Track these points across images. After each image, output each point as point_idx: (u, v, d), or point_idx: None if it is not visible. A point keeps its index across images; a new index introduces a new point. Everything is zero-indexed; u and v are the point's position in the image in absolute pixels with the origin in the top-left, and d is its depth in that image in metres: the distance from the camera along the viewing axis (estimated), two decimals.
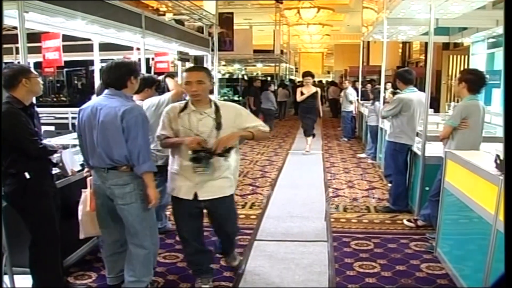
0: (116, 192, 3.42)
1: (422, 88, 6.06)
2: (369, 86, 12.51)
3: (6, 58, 8.35)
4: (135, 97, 4.80)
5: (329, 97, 20.00)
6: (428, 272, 4.21)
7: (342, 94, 13.62)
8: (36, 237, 3.52)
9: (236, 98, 14.85)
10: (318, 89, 10.74)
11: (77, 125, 3.56)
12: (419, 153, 5.58)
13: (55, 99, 13.82)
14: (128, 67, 3.53)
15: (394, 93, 8.50)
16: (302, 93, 10.49)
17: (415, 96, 5.92)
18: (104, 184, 3.45)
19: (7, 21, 4.21)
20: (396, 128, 5.92)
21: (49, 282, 3.60)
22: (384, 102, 9.87)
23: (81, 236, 3.82)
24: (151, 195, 3.43)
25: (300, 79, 34.87)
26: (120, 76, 3.46)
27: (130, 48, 8.06)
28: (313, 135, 11.17)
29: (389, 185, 6.21)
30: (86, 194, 3.78)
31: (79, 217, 3.77)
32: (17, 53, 6.11)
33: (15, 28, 3.91)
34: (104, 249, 3.82)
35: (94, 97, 4.00)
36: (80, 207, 3.78)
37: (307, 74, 10.76)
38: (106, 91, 3.49)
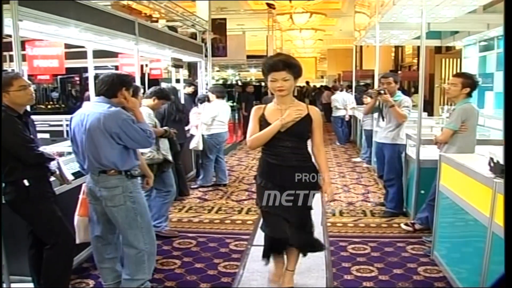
0: (105, 194, 3.52)
1: (415, 92, 6.10)
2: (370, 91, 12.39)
3: None
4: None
5: (323, 101, 20.01)
6: (425, 275, 4.23)
7: (332, 98, 13.59)
8: (51, 241, 3.54)
9: (230, 104, 14.85)
10: (316, 110, 3.68)
11: (69, 131, 3.66)
12: (414, 157, 5.59)
13: (49, 107, 13.78)
14: (121, 79, 3.64)
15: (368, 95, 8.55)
16: (264, 121, 3.55)
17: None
18: (96, 187, 3.55)
19: None
20: (396, 129, 5.86)
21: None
22: (362, 103, 9.92)
23: (77, 241, 3.83)
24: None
25: (300, 83, 35.30)
26: (111, 86, 3.57)
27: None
28: (314, 249, 3.97)
29: (389, 189, 6.09)
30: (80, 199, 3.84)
31: (75, 222, 3.80)
32: (11, 60, 6.09)
33: (8, 36, 3.91)
34: (95, 255, 3.85)
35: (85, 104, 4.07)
36: (76, 213, 3.81)
37: (278, 66, 3.39)
38: (95, 98, 3.63)
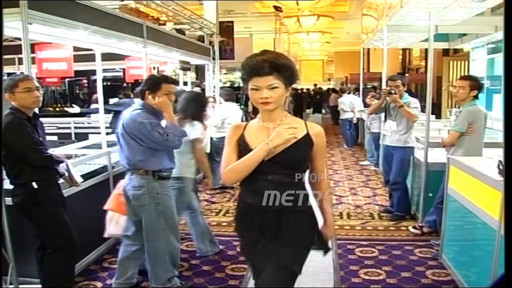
0: (132, 193, 3.67)
1: (423, 95, 6.03)
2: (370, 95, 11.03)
3: (8, 69, 8.40)
4: None
5: (330, 104, 20.00)
6: (433, 278, 4.20)
7: (339, 100, 13.58)
8: (52, 245, 3.56)
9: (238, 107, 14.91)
10: (318, 129, 2.53)
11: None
12: (422, 159, 5.57)
13: (57, 109, 13.84)
14: (148, 81, 3.77)
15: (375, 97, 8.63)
16: (244, 145, 2.47)
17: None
18: (127, 186, 3.72)
19: (11, 33, 4.24)
20: (408, 132, 5.78)
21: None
22: (366, 106, 9.86)
23: (105, 234, 4.01)
24: None
25: (307, 86, 34.02)
26: (141, 89, 3.77)
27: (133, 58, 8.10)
28: None
29: (395, 193, 6.04)
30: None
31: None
32: (20, 63, 6.11)
33: (17, 39, 3.95)
34: (120, 250, 3.97)
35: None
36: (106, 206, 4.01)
37: (261, 68, 2.30)
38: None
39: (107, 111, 7.40)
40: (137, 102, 3.81)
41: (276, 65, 2.31)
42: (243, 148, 2.44)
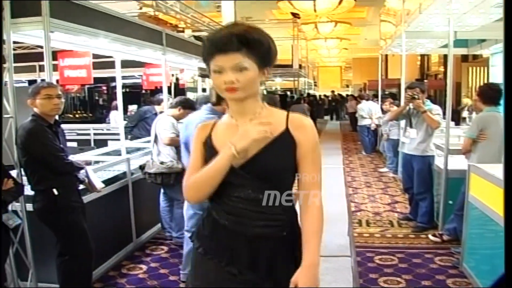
0: None
1: (442, 101, 5.97)
2: (388, 101, 10.39)
3: (29, 76, 8.54)
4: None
5: (349, 110, 19.95)
6: (454, 287, 4.15)
7: (358, 107, 13.57)
8: (70, 252, 3.58)
9: None
10: (304, 122, 1.86)
11: None
12: (442, 166, 5.51)
13: (77, 116, 14.01)
14: None
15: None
16: (210, 149, 1.88)
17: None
18: None
19: (33, 41, 4.29)
20: (427, 140, 5.63)
21: None
22: (383, 112, 9.82)
23: None
24: None
25: (324, 92, 33.87)
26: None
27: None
28: None
29: (421, 203, 5.81)
30: None
31: None
32: (41, 70, 6.14)
33: (39, 46, 3.99)
34: (185, 244, 4.19)
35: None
36: None
37: (228, 43, 1.71)
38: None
39: (131, 127, 7.48)
40: (204, 107, 3.85)
41: (246, 39, 1.72)
42: (209, 153, 1.86)
